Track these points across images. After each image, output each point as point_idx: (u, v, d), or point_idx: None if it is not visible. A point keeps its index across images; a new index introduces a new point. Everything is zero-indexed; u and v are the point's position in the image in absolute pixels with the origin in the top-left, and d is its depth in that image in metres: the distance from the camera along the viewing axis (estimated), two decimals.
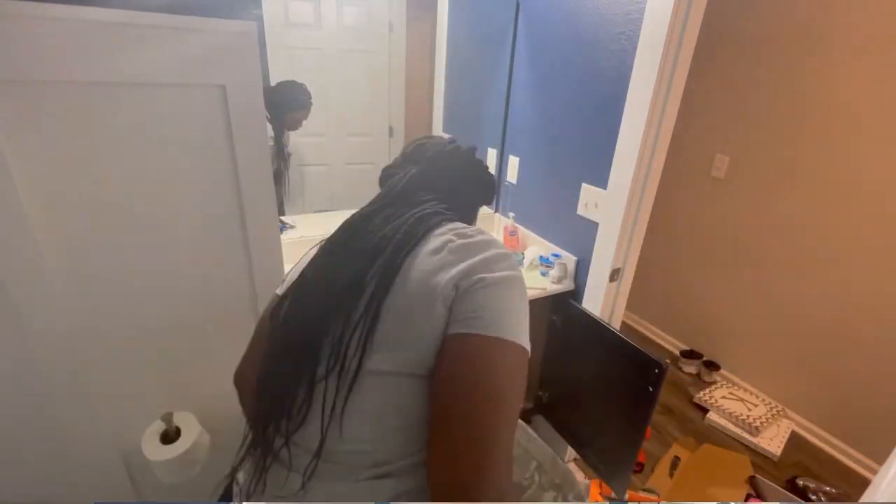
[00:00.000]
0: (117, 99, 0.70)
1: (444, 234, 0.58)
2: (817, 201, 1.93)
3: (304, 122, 1.72)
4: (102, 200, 0.74)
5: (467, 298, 0.52)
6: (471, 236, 0.57)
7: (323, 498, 0.54)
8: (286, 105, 1.58)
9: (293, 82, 1.57)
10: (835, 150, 1.84)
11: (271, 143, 1.59)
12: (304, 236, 1.65)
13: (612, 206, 1.38)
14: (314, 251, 0.64)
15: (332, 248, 0.61)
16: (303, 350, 0.56)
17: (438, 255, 0.55)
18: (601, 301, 1.49)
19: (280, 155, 1.64)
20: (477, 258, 0.54)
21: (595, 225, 1.47)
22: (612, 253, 1.42)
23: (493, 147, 1.86)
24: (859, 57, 1.73)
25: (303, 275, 0.62)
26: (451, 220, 0.63)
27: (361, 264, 0.56)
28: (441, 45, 1.95)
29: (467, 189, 0.74)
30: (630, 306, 2.19)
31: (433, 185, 0.68)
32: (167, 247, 0.82)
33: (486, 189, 0.78)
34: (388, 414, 0.53)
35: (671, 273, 2.59)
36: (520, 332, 0.53)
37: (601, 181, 1.41)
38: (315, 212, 1.83)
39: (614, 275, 1.47)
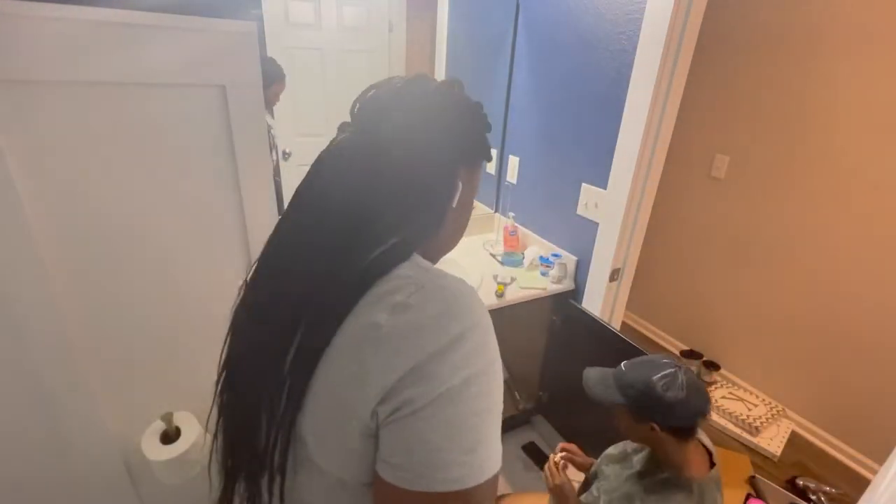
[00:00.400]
0: (117, 99, 0.70)
1: (374, 309, 0.40)
2: (817, 201, 1.93)
3: (306, 123, 1.72)
4: (102, 200, 0.74)
5: (390, 433, 0.39)
6: (411, 308, 0.40)
7: None
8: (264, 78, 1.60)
9: (265, 57, 1.55)
10: (835, 149, 1.84)
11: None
12: None
13: (612, 206, 1.38)
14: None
15: (255, 295, 0.51)
16: (241, 430, 0.49)
17: (357, 351, 0.40)
18: (601, 301, 1.49)
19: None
20: (409, 362, 0.38)
21: (595, 225, 1.47)
22: (612, 253, 1.42)
23: (493, 147, 1.86)
24: (859, 57, 1.73)
25: (231, 333, 0.53)
26: (385, 263, 0.44)
27: (279, 335, 0.44)
28: (441, 45, 1.95)
29: (438, 155, 0.49)
30: (630, 306, 2.19)
31: (376, 176, 0.46)
32: (167, 246, 0.82)
33: (471, 141, 0.53)
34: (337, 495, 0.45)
35: (671, 273, 2.59)
36: (476, 466, 0.39)
37: (601, 181, 1.41)
38: None
39: (614, 275, 1.47)
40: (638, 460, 0.94)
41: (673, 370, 0.83)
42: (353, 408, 0.40)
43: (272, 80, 1.60)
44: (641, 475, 0.90)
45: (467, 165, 0.53)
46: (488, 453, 0.40)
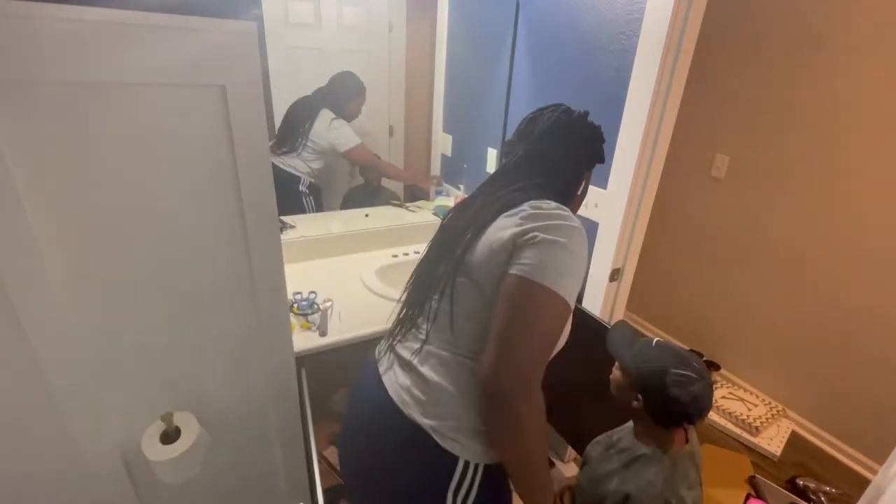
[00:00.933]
0: (117, 99, 0.70)
1: (523, 206, 0.72)
2: (817, 201, 1.93)
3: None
4: (102, 200, 0.74)
5: (521, 249, 0.68)
6: (542, 209, 0.71)
7: (429, 353, 0.77)
8: (346, 95, 1.72)
9: (347, 72, 1.71)
10: (835, 150, 1.84)
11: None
12: (304, 236, 1.65)
13: (612, 206, 1.38)
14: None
15: (452, 215, 0.87)
16: (431, 269, 0.83)
17: (512, 219, 0.72)
18: (601, 301, 1.49)
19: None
20: (538, 223, 0.69)
21: (595, 225, 1.47)
22: (612, 253, 1.42)
23: (492, 147, 1.86)
24: (860, 57, 1.73)
25: (441, 228, 0.88)
26: (539, 197, 0.75)
27: (466, 224, 0.78)
28: (441, 45, 1.95)
29: (574, 155, 0.83)
30: (630, 306, 2.19)
31: (537, 162, 0.82)
32: (167, 246, 0.82)
33: (593, 151, 0.86)
34: (477, 313, 0.73)
35: (671, 273, 2.59)
36: (558, 284, 0.66)
37: (601, 181, 1.41)
38: (314, 211, 1.83)
39: (614, 275, 1.47)
40: (621, 439, 0.95)
41: (695, 376, 0.81)
42: (502, 240, 0.70)
43: (355, 95, 1.74)
44: (621, 452, 0.90)
45: (590, 168, 0.88)
46: (568, 292, 0.68)
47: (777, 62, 1.96)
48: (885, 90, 1.68)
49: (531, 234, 0.68)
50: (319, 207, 1.82)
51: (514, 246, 0.69)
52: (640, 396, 0.82)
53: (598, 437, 1.05)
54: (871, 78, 1.71)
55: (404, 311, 0.86)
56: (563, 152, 0.82)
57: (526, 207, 0.72)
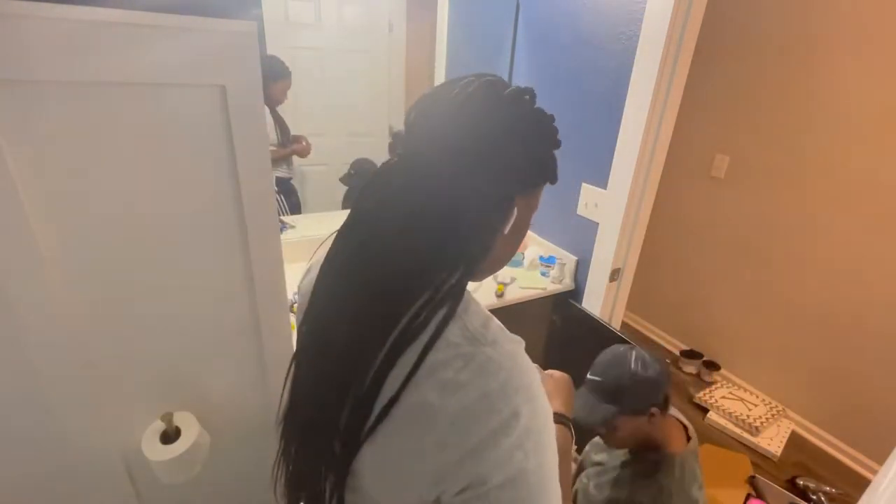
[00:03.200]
0: (117, 99, 0.70)
1: (426, 384, 0.41)
2: (817, 201, 1.93)
3: (306, 123, 1.73)
4: (102, 200, 0.74)
5: None
6: (460, 387, 0.40)
7: None
8: (267, 75, 1.63)
9: (269, 55, 1.58)
10: (835, 149, 1.84)
11: (269, 119, 1.62)
12: (304, 236, 1.65)
13: (612, 206, 1.38)
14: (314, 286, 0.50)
15: (304, 350, 0.51)
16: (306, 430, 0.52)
17: (412, 428, 0.41)
18: (601, 301, 1.49)
19: (282, 126, 1.66)
20: (464, 445, 0.39)
21: (595, 225, 1.47)
22: (612, 253, 1.42)
23: None
24: (859, 57, 1.73)
25: (298, 352, 0.53)
26: (427, 322, 0.42)
27: (337, 383, 0.44)
28: (441, 45, 1.95)
29: (491, 168, 0.43)
30: (630, 306, 2.19)
31: (417, 188, 0.43)
32: (166, 246, 0.82)
33: (532, 159, 0.47)
34: None
35: (671, 273, 2.59)
36: None
37: (601, 181, 1.41)
38: (315, 212, 1.83)
39: (614, 275, 1.47)
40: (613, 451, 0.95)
41: (633, 352, 0.84)
42: (410, 478, 0.42)
43: (275, 77, 1.61)
44: (628, 462, 0.90)
45: (527, 190, 0.48)
46: None
47: (777, 62, 1.96)
48: (885, 90, 1.68)
49: (466, 485, 0.39)
50: (294, 209, 1.77)
51: (457, 499, 0.40)
52: (651, 410, 0.82)
53: (596, 440, 1.05)
54: (872, 78, 1.71)
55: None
56: (472, 165, 0.42)
57: (428, 393, 0.40)
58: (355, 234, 0.46)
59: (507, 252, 0.51)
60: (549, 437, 0.43)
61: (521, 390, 0.41)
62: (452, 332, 0.42)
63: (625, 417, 0.83)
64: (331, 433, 0.45)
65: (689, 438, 0.88)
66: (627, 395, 0.83)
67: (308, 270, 0.59)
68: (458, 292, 0.43)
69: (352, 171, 1.89)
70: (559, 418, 0.68)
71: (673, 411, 0.94)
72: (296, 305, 1.26)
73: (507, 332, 0.47)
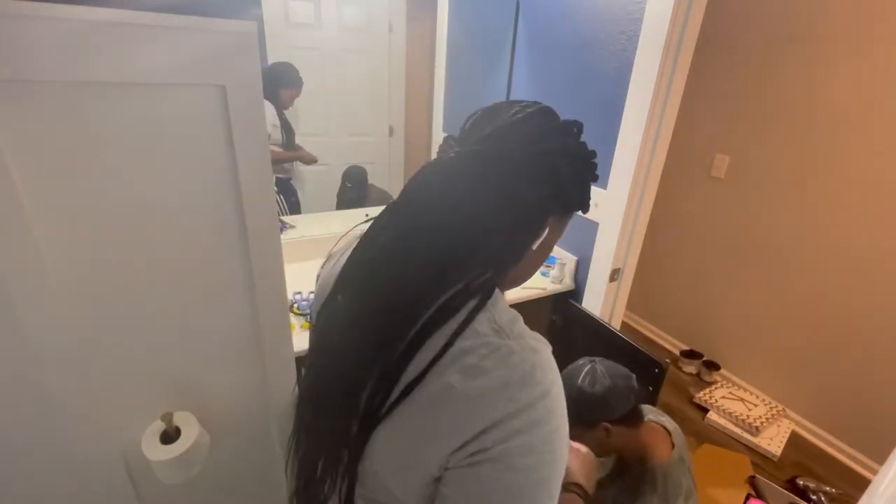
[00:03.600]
0: (117, 99, 0.70)
1: (450, 369, 0.42)
2: (817, 201, 1.93)
3: (306, 123, 1.73)
4: (102, 200, 0.74)
5: (450, 485, 0.42)
6: (483, 373, 0.41)
7: None
8: (280, 82, 1.64)
9: (285, 62, 1.63)
10: (835, 149, 1.84)
11: (277, 122, 1.65)
12: (304, 236, 1.65)
13: (612, 206, 1.38)
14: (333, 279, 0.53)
15: (338, 306, 0.51)
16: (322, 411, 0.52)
17: (431, 408, 0.42)
18: (601, 301, 1.50)
19: (287, 129, 1.68)
20: (476, 427, 0.40)
21: (595, 225, 1.47)
22: (612, 253, 1.42)
23: None
24: (860, 56, 1.73)
25: (316, 343, 0.55)
26: (460, 313, 0.44)
27: (359, 363, 0.46)
28: (441, 45, 1.95)
29: (537, 186, 0.46)
30: (630, 306, 2.19)
31: (476, 174, 0.45)
32: (167, 246, 0.82)
33: (573, 188, 0.49)
34: None
35: (671, 273, 2.59)
36: None
37: (601, 181, 1.41)
38: (314, 212, 1.83)
39: (614, 275, 1.47)
40: (606, 463, 0.94)
41: (588, 366, 0.85)
42: (418, 457, 0.43)
43: (288, 84, 1.65)
44: (611, 477, 0.90)
45: (560, 213, 0.51)
46: None
47: (777, 62, 1.96)
48: (885, 90, 1.68)
49: (483, 455, 0.40)
50: (293, 209, 1.78)
51: (453, 472, 0.42)
52: (603, 424, 0.83)
53: None
54: (871, 78, 1.71)
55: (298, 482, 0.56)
56: (520, 176, 0.45)
57: (452, 376, 0.42)
58: (404, 216, 0.48)
59: (528, 269, 0.54)
60: (558, 442, 0.43)
61: (540, 386, 0.43)
62: (480, 323, 0.44)
63: (577, 430, 0.83)
64: (350, 411, 0.46)
65: (672, 446, 0.87)
66: (573, 410, 0.83)
67: (329, 258, 0.61)
68: (490, 288, 0.46)
69: (349, 185, 1.89)
70: (575, 488, 0.69)
71: (654, 415, 0.93)
72: (296, 306, 1.26)
73: (535, 333, 0.48)
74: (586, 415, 0.83)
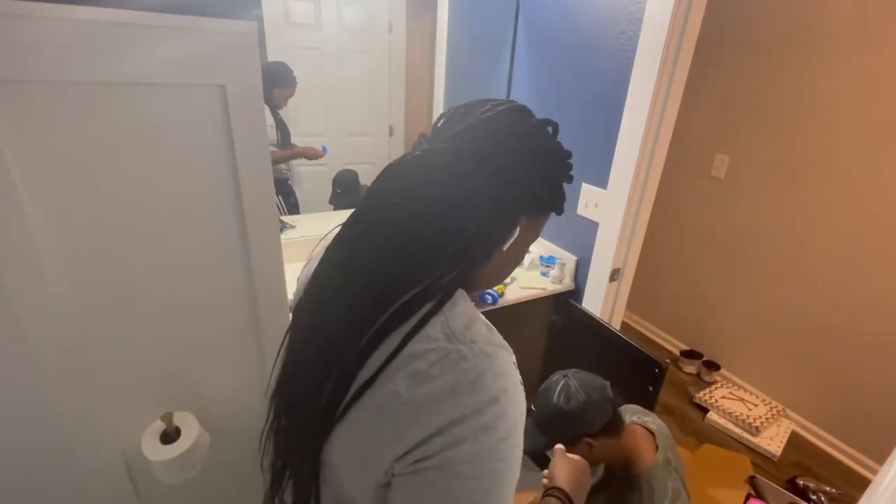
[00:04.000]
0: (117, 99, 0.70)
1: (399, 373, 0.41)
2: (817, 201, 1.93)
3: (306, 123, 1.73)
4: (102, 200, 0.74)
5: (397, 492, 0.41)
6: (430, 379, 0.40)
7: None
8: (274, 81, 1.64)
9: (279, 62, 1.61)
10: (834, 150, 1.84)
11: (272, 121, 1.65)
12: (304, 236, 1.64)
13: (612, 206, 1.38)
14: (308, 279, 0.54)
15: (307, 307, 0.51)
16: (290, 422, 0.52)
17: (377, 414, 0.41)
18: (601, 301, 1.49)
19: (282, 128, 1.68)
20: (421, 433, 0.39)
21: (595, 225, 1.47)
22: (612, 253, 1.42)
23: None
24: (859, 56, 1.73)
25: (289, 344, 0.54)
26: (413, 309, 0.43)
27: (313, 377, 0.46)
28: (441, 45, 1.95)
29: (508, 183, 0.46)
30: (630, 306, 2.19)
31: (440, 174, 0.44)
32: (166, 246, 0.82)
33: (544, 188, 0.50)
34: None
35: (671, 273, 2.59)
36: None
37: (601, 181, 1.41)
38: (314, 212, 1.83)
39: (614, 275, 1.47)
40: (595, 471, 0.93)
41: (563, 381, 0.84)
42: (366, 461, 0.43)
43: (281, 84, 1.64)
44: (599, 486, 0.89)
45: (533, 213, 0.50)
46: None
47: (777, 62, 1.96)
48: (885, 90, 1.68)
49: (428, 462, 0.39)
50: (293, 209, 1.77)
51: (400, 479, 0.41)
52: (585, 440, 0.82)
53: None
54: (871, 78, 1.71)
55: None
56: (487, 174, 0.45)
57: (399, 383, 0.41)
58: (366, 216, 0.48)
59: (501, 270, 0.53)
60: (509, 450, 0.41)
61: (489, 392, 0.40)
62: (433, 327, 0.43)
63: (560, 448, 0.81)
64: (315, 409, 0.46)
65: (656, 448, 0.86)
66: (552, 429, 0.83)
67: (308, 262, 0.61)
68: (449, 290, 0.45)
69: (338, 190, 1.88)
70: (558, 493, 0.68)
71: (638, 416, 0.92)
72: None
73: (497, 336, 0.46)
74: (567, 432, 0.82)
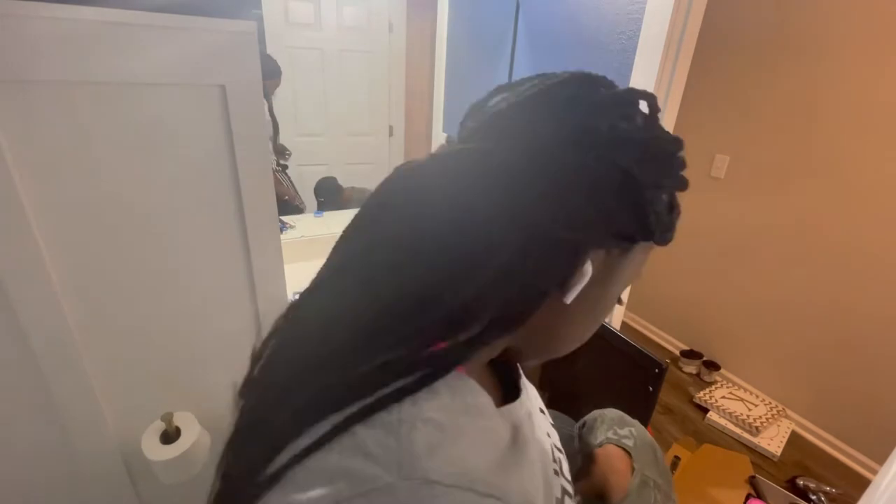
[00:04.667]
0: (117, 99, 0.70)
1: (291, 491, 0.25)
2: (817, 201, 1.93)
3: (306, 123, 1.73)
4: (102, 200, 0.74)
5: None
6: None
7: None
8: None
9: (264, 53, 1.59)
10: (834, 150, 1.84)
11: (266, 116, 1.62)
12: (304, 236, 1.65)
13: None
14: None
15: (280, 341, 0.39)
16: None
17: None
18: None
19: (272, 121, 1.67)
20: None
21: None
22: None
23: None
24: (860, 56, 1.73)
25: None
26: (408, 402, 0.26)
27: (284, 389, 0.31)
28: (441, 45, 1.95)
29: (561, 198, 0.28)
30: (630, 306, 2.19)
31: (440, 225, 0.28)
32: (166, 246, 0.82)
33: (630, 198, 0.30)
34: None
35: (671, 273, 2.59)
36: None
37: None
38: (314, 212, 1.83)
39: None
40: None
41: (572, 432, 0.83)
42: None
43: (270, 74, 1.61)
44: None
45: (610, 243, 0.31)
46: None
47: (777, 62, 1.96)
48: (885, 90, 1.68)
49: None
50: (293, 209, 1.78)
51: None
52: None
53: None
54: (872, 77, 1.71)
55: None
56: (527, 184, 0.28)
57: (334, 487, 0.23)
58: (365, 232, 0.33)
59: (567, 331, 0.35)
60: None
61: None
62: (375, 434, 0.25)
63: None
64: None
65: (632, 470, 0.82)
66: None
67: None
68: (439, 365, 0.27)
69: (321, 199, 1.87)
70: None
71: (613, 432, 0.83)
72: None
73: (484, 479, 0.25)
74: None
